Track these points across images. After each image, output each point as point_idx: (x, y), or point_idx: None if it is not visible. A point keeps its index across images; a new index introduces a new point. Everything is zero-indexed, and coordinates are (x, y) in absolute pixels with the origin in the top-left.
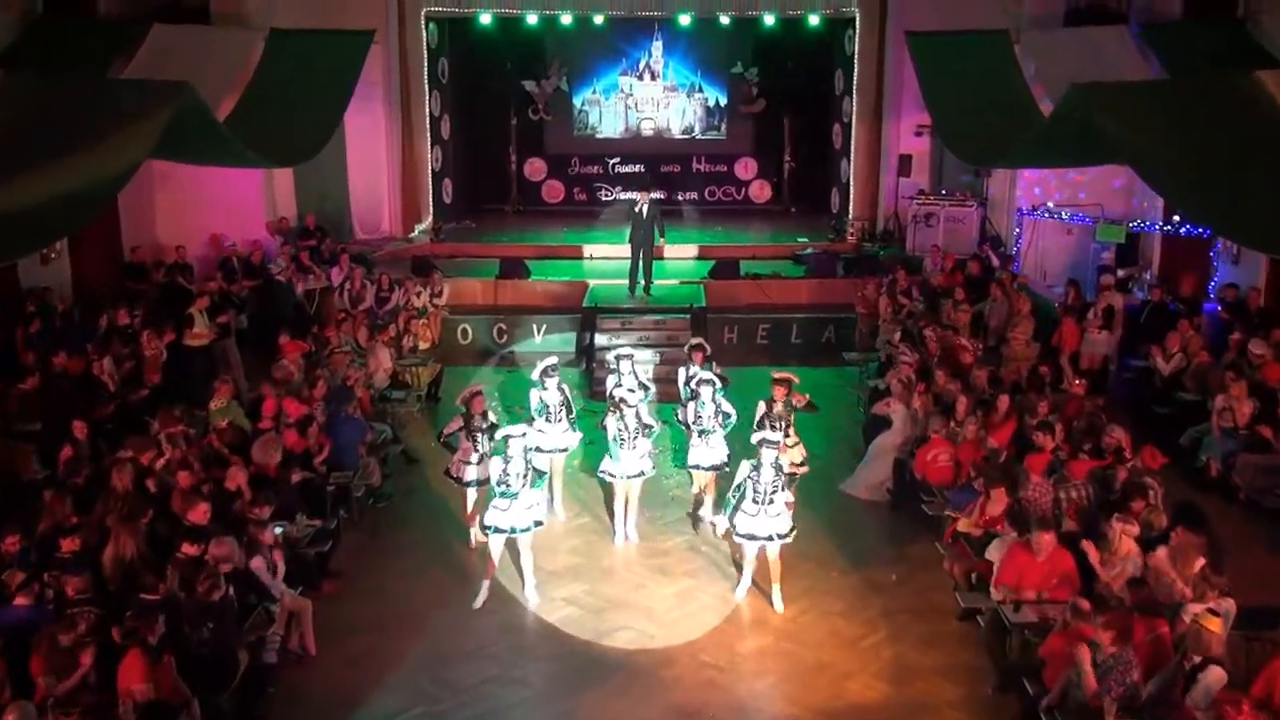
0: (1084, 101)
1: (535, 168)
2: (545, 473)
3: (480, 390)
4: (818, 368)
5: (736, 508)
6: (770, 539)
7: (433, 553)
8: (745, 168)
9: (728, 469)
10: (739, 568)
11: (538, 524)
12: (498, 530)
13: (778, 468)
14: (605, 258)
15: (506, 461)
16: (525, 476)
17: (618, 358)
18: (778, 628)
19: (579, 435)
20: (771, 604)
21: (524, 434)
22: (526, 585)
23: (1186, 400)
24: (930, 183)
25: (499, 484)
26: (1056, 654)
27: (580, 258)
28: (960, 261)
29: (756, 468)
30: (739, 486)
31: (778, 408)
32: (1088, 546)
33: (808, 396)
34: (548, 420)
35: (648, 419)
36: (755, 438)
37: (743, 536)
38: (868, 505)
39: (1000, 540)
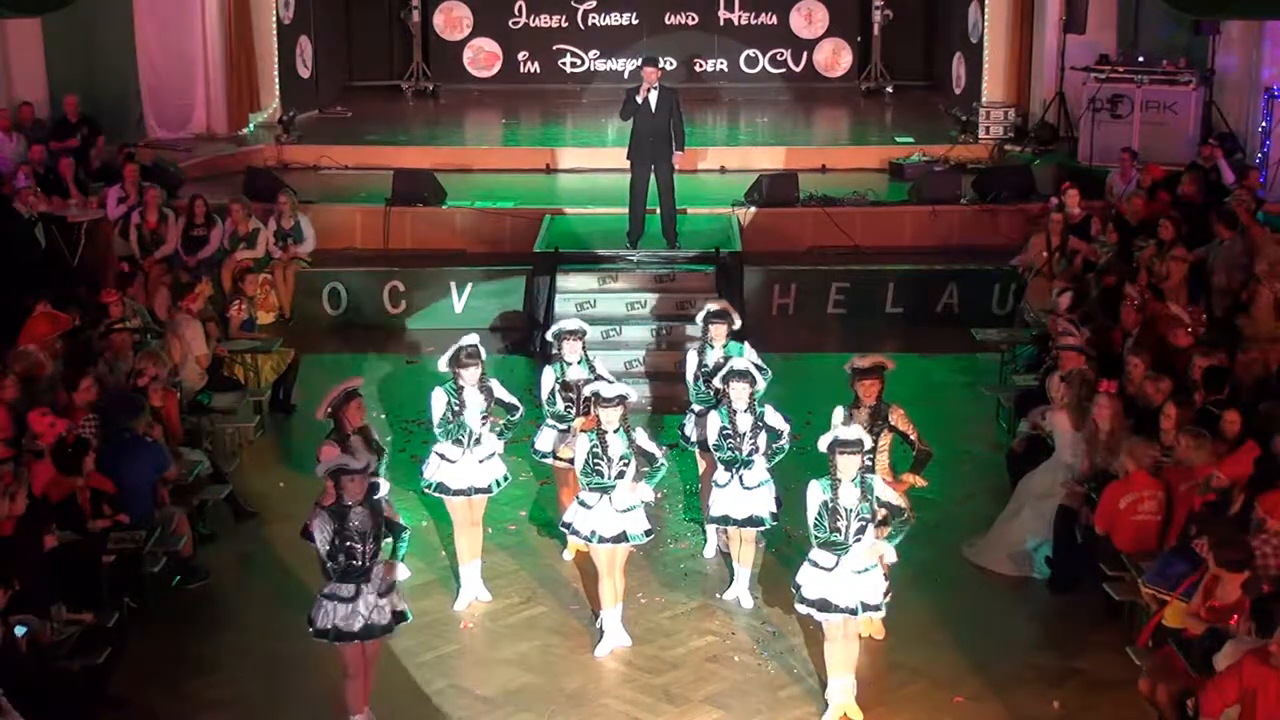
0: None
1: (453, 18)
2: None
3: (355, 389)
4: (929, 355)
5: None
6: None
7: (280, 669)
8: (808, 17)
9: (776, 525)
10: (821, 682)
11: (397, 621)
12: (340, 635)
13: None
14: (574, 169)
15: (340, 520)
16: (375, 540)
17: (558, 336)
18: None
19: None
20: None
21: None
22: None
23: None
24: (1118, 45)
25: (330, 558)
26: None
27: (531, 170)
28: (1170, 176)
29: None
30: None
31: (863, 415)
32: None
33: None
34: (459, 442)
35: (646, 444)
36: (823, 441)
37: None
38: (1013, 584)
39: (1236, 644)
